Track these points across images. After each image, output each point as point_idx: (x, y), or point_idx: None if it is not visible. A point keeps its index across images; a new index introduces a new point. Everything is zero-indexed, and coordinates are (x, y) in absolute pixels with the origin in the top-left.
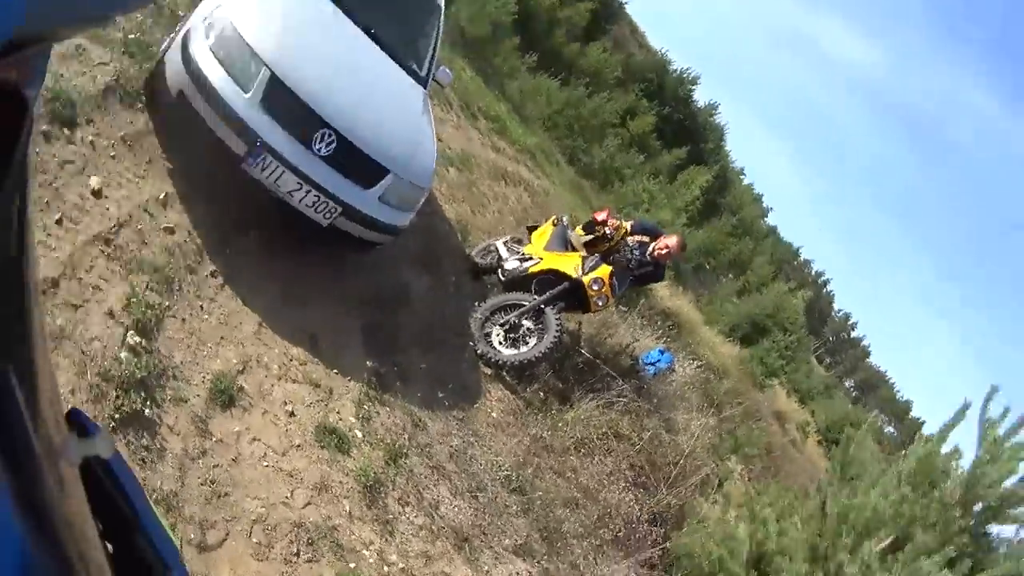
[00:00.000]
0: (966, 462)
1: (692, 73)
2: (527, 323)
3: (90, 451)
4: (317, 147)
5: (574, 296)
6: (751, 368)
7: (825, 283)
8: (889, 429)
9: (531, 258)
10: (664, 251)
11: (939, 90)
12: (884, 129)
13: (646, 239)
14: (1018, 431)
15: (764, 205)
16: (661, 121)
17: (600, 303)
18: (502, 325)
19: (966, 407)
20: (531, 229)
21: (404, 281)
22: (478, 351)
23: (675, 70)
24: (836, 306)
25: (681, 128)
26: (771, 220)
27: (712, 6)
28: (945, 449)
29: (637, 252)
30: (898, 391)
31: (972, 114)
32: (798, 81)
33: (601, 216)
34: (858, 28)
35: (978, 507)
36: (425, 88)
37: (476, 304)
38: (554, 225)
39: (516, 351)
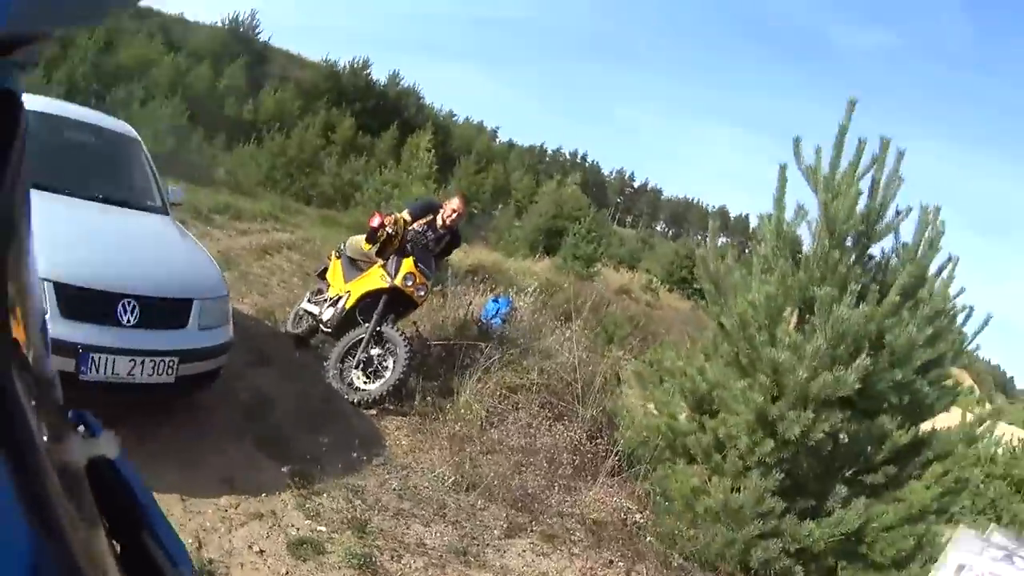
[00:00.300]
0: (815, 215)
1: (360, 59)
2: (375, 351)
3: (95, 451)
4: (127, 319)
5: (397, 303)
6: (572, 267)
7: (584, 158)
8: (722, 240)
9: (340, 297)
10: (453, 216)
11: None
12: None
13: (430, 216)
14: (839, 162)
15: (489, 128)
16: (359, 117)
17: (421, 293)
18: (356, 367)
19: (783, 168)
20: (322, 275)
21: (256, 386)
22: (353, 401)
23: (343, 67)
24: (606, 171)
25: (379, 112)
26: (503, 137)
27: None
28: (789, 215)
29: (429, 232)
30: (706, 205)
31: None
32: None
33: (375, 221)
34: None
35: (849, 241)
36: (168, 214)
37: (324, 364)
38: (338, 257)
39: (382, 380)
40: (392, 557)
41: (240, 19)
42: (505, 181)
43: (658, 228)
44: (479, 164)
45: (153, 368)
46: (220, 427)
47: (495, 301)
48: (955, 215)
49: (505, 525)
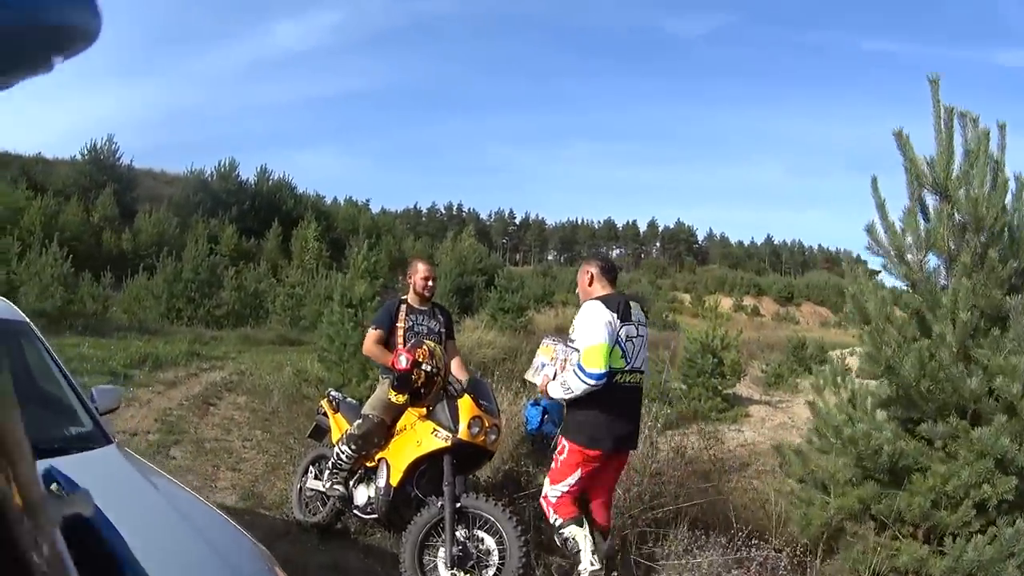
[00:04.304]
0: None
1: (226, 162)
2: (460, 534)
3: (70, 509)
4: None
5: (467, 458)
6: (504, 323)
7: (460, 208)
8: (617, 251)
9: (376, 466)
10: (428, 282)
11: None
12: None
13: (402, 308)
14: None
15: (360, 202)
16: (238, 222)
17: (494, 437)
18: (451, 566)
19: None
20: (315, 434)
21: None
22: None
23: (210, 174)
24: (484, 215)
25: (257, 212)
26: (375, 207)
27: None
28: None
29: (424, 321)
30: (590, 221)
31: None
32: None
33: (403, 362)
34: None
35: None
36: (113, 441)
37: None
38: (335, 410)
39: (493, 570)
40: None
41: (99, 147)
42: (399, 251)
43: (550, 257)
44: (370, 240)
45: None
46: None
47: (534, 405)
48: None
49: None
